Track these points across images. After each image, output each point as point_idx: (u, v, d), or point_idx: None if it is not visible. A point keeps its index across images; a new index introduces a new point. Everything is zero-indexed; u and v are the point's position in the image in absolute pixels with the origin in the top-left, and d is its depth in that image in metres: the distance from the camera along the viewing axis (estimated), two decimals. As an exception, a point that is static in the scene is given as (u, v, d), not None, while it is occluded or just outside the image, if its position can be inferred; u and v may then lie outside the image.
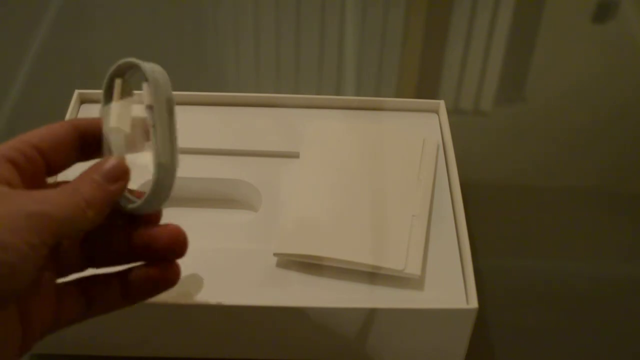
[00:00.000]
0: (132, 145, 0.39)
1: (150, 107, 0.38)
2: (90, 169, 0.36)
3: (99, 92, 0.57)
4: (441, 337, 0.46)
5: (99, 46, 0.77)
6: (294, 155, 0.55)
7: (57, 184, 0.39)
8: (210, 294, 0.45)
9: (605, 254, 0.58)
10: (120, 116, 0.40)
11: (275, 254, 0.47)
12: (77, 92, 0.57)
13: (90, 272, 0.38)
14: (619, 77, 0.76)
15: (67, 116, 0.55)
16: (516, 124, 0.70)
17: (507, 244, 0.58)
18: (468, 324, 0.45)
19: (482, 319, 0.49)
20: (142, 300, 0.38)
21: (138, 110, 0.40)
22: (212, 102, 0.58)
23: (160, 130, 0.37)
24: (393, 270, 0.46)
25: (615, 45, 0.81)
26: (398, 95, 0.73)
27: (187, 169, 0.53)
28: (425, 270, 0.47)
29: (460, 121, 0.69)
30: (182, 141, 0.56)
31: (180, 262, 0.47)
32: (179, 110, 0.58)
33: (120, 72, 0.41)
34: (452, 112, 0.69)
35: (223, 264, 0.47)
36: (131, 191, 0.38)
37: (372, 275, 0.47)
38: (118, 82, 0.40)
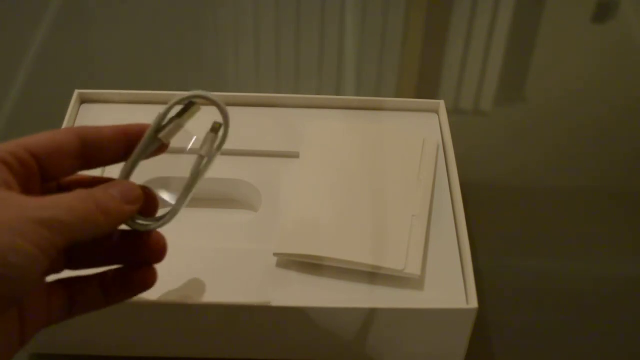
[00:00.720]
0: None
1: (201, 157, 0.42)
2: (109, 184, 0.37)
3: (99, 92, 0.58)
4: (441, 337, 0.46)
5: (99, 46, 0.77)
6: (294, 155, 0.55)
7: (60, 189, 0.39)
8: (210, 294, 0.45)
9: (605, 254, 0.58)
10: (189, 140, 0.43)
11: (275, 254, 0.47)
12: (77, 92, 0.57)
13: (68, 273, 0.38)
14: (619, 77, 0.76)
15: (67, 116, 0.55)
16: (516, 124, 0.70)
17: (507, 244, 0.58)
18: (468, 324, 0.45)
19: (482, 319, 0.49)
20: (120, 302, 0.39)
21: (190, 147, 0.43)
22: (212, 102, 0.58)
23: (190, 182, 0.41)
24: (393, 270, 0.46)
25: (615, 45, 0.81)
26: (398, 95, 0.73)
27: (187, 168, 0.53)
28: (425, 270, 0.47)
29: (460, 121, 0.69)
30: (182, 141, 0.56)
31: (180, 261, 0.47)
32: (178, 110, 0.58)
33: (190, 99, 0.42)
34: (452, 112, 0.69)
35: (223, 264, 0.47)
36: None
37: (372, 275, 0.47)
38: (196, 109, 0.42)
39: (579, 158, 0.66)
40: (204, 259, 0.47)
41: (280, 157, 0.55)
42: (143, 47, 0.77)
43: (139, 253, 0.39)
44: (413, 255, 0.47)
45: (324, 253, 0.47)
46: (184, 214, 0.49)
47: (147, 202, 0.39)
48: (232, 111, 0.58)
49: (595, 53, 0.80)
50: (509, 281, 0.55)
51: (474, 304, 0.44)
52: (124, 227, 0.38)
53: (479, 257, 0.54)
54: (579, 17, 0.84)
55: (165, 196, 0.41)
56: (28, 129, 0.64)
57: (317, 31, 0.80)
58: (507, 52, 0.79)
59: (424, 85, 0.76)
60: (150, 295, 0.44)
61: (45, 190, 0.38)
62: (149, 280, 0.39)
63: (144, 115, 0.57)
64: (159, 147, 0.41)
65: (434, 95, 0.72)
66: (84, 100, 0.58)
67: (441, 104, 0.58)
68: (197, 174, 0.41)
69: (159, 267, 0.46)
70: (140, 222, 0.39)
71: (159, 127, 0.41)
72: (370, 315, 0.44)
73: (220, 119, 0.43)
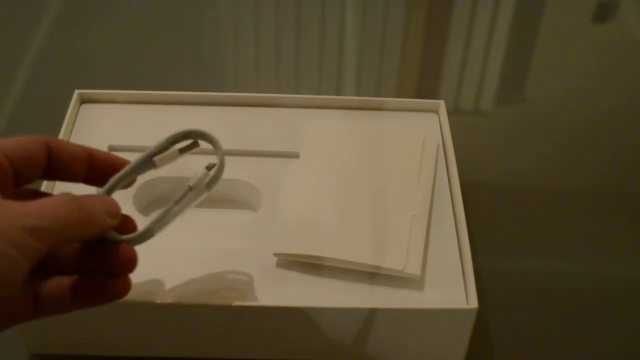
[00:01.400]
0: None
1: (189, 188, 0.43)
2: (94, 196, 0.39)
3: (99, 92, 0.58)
4: (441, 337, 0.46)
5: (99, 46, 0.77)
6: (294, 155, 0.55)
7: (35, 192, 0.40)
8: (210, 294, 0.45)
9: (605, 254, 0.58)
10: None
11: (275, 254, 0.47)
12: (77, 92, 0.58)
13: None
14: (619, 77, 0.76)
15: (67, 116, 0.55)
16: (516, 124, 0.70)
17: (507, 244, 0.58)
18: (468, 324, 0.45)
19: (482, 319, 0.49)
20: (89, 307, 0.39)
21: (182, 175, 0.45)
22: (212, 102, 0.58)
23: (175, 209, 0.42)
24: (393, 270, 0.46)
25: (615, 45, 0.81)
26: (398, 95, 0.73)
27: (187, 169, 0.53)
28: (425, 270, 0.47)
29: (460, 121, 0.69)
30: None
31: (180, 261, 0.47)
32: (178, 110, 0.59)
33: (195, 136, 0.44)
34: (452, 112, 0.69)
35: (223, 264, 0.47)
36: None
37: (372, 275, 0.47)
38: (194, 143, 0.44)
39: (578, 158, 0.66)
40: (204, 259, 0.47)
41: (280, 157, 0.55)
42: (143, 47, 0.77)
43: (109, 263, 0.39)
44: (413, 255, 0.47)
45: (324, 253, 0.47)
46: (184, 213, 0.49)
47: (125, 221, 0.40)
48: (232, 111, 0.59)
49: (595, 53, 0.80)
50: (509, 281, 0.55)
51: (474, 304, 0.44)
52: None
53: (479, 257, 0.54)
54: (579, 17, 0.84)
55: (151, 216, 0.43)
56: (28, 129, 0.64)
57: (317, 31, 0.80)
58: (507, 52, 0.79)
59: (424, 85, 0.76)
60: (151, 295, 0.44)
61: (17, 194, 0.39)
62: (121, 289, 0.39)
63: (144, 115, 0.57)
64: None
65: (434, 95, 0.72)
66: (84, 100, 0.58)
67: (441, 104, 0.58)
68: (179, 202, 0.42)
69: (159, 267, 0.46)
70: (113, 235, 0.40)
71: (156, 152, 0.43)
72: (370, 315, 0.44)
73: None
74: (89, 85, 0.59)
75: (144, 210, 0.52)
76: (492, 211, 0.60)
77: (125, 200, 0.44)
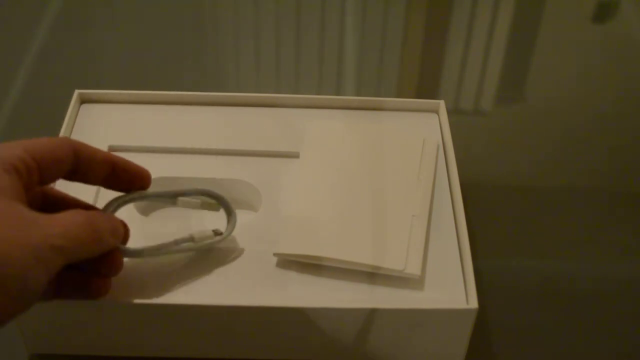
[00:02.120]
0: None
1: (191, 239, 0.47)
2: (105, 216, 0.41)
3: (99, 92, 0.58)
4: (441, 337, 0.46)
5: (99, 46, 0.77)
6: (294, 155, 0.55)
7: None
8: (210, 294, 0.45)
9: (605, 254, 0.58)
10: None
11: (275, 254, 0.47)
12: (77, 92, 0.58)
13: None
14: (619, 77, 0.76)
15: (67, 116, 0.55)
16: (516, 124, 0.70)
17: (507, 244, 0.58)
18: (468, 324, 0.45)
19: (482, 319, 0.49)
20: (70, 299, 0.42)
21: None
22: (212, 102, 0.58)
23: (170, 248, 0.46)
24: (393, 270, 0.46)
25: (615, 45, 0.81)
26: (398, 95, 0.73)
27: (187, 169, 0.53)
28: (425, 270, 0.47)
29: (460, 121, 0.69)
30: (182, 141, 0.56)
31: (180, 261, 0.47)
32: (178, 110, 0.59)
33: (221, 202, 0.49)
34: (452, 112, 0.69)
35: (223, 264, 0.47)
36: None
37: (372, 275, 0.47)
38: (216, 206, 0.48)
39: (578, 158, 0.66)
40: (204, 259, 0.47)
41: (280, 157, 0.55)
42: (143, 47, 0.77)
43: (99, 264, 0.41)
44: (413, 255, 0.47)
45: (323, 253, 0.47)
46: (185, 213, 0.50)
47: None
48: (232, 111, 0.59)
49: (595, 53, 0.80)
50: (509, 281, 0.55)
51: (474, 304, 0.44)
52: None
53: (479, 257, 0.54)
54: (579, 17, 0.84)
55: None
56: (28, 129, 0.65)
57: (317, 31, 0.80)
58: (507, 52, 0.79)
59: (424, 85, 0.76)
60: (150, 295, 0.44)
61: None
62: (102, 290, 0.42)
63: (144, 115, 0.57)
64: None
65: (434, 95, 0.72)
66: (84, 100, 0.58)
67: (441, 104, 0.58)
68: (177, 244, 0.46)
69: (159, 267, 0.46)
70: None
71: (183, 194, 0.47)
72: (370, 315, 0.44)
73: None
74: (89, 85, 0.59)
75: (144, 210, 0.52)
76: (492, 211, 0.60)
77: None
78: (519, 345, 0.51)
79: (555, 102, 0.72)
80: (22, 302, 0.35)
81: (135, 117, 0.57)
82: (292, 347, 0.47)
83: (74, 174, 0.42)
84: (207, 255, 0.48)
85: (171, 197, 0.47)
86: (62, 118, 0.55)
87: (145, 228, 0.51)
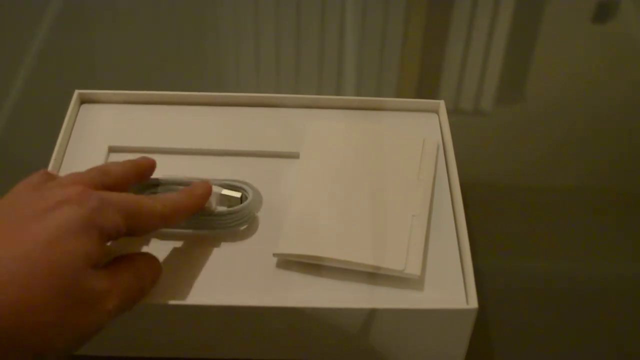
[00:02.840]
0: None
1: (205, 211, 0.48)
2: (151, 264, 0.44)
3: (99, 92, 0.58)
4: (441, 337, 0.46)
5: (99, 46, 0.77)
6: (294, 156, 0.55)
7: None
8: (210, 294, 0.45)
9: (605, 254, 0.58)
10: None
11: (275, 254, 0.47)
12: (77, 92, 0.57)
13: None
14: (619, 77, 0.76)
15: (67, 116, 0.55)
16: (516, 124, 0.70)
17: (507, 244, 0.58)
18: (468, 324, 0.45)
19: (482, 319, 0.49)
20: None
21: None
22: (212, 102, 0.58)
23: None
24: (393, 271, 0.46)
25: (615, 45, 0.81)
26: (398, 95, 0.73)
27: (187, 169, 0.53)
28: (425, 270, 0.47)
29: (460, 121, 0.69)
30: (182, 141, 0.56)
31: (180, 262, 0.47)
32: (178, 110, 0.59)
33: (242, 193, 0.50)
34: (452, 112, 0.69)
35: (223, 264, 0.47)
36: None
37: (372, 275, 0.47)
38: (236, 199, 0.50)
39: (578, 158, 0.66)
40: (203, 259, 0.47)
41: (280, 157, 0.55)
42: (143, 47, 0.77)
43: None
44: (413, 255, 0.47)
45: (324, 253, 0.47)
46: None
47: None
48: (232, 111, 0.59)
49: (595, 53, 0.80)
50: (509, 281, 0.55)
51: (474, 304, 0.44)
52: None
53: (479, 257, 0.54)
54: (579, 17, 0.84)
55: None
56: (28, 129, 0.64)
57: (317, 31, 0.80)
58: (507, 52, 0.79)
59: (424, 85, 0.76)
60: (150, 295, 0.44)
61: None
62: None
63: (144, 115, 0.57)
64: None
65: (434, 95, 0.72)
66: (84, 100, 0.58)
67: (441, 104, 0.58)
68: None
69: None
70: None
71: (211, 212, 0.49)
72: (370, 315, 0.44)
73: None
74: (89, 85, 0.59)
75: None
76: (492, 211, 0.60)
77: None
78: (519, 345, 0.51)
79: (555, 102, 0.72)
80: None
81: (135, 117, 0.57)
82: (292, 347, 0.47)
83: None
84: (208, 255, 0.48)
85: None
86: (62, 118, 0.55)
87: None
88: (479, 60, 0.77)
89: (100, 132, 0.56)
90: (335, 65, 0.76)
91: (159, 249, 0.47)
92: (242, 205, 0.49)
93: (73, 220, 0.36)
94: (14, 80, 0.71)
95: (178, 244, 0.48)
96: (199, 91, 0.58)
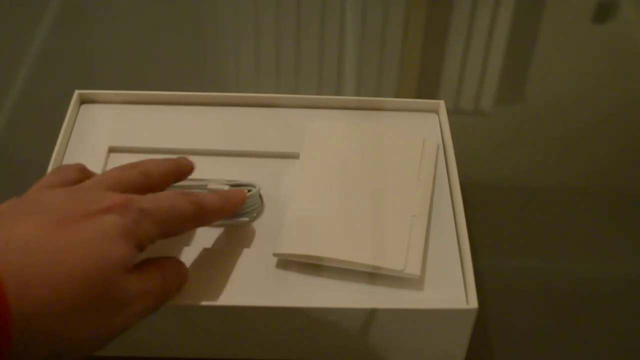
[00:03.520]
0: None
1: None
2: (177, 269, 0.44)
3: (99, 92, 0.58)
4: (441, 337, 0.46)
5: (99, 46, 0.77)
6: (294, 156, 0.55)
7: None
8: (210, 294, 0.45)
9: (605, 254, 0.58)
10: None
11: (275, 254, 0.48)
12: (77, 92, 0.58)
13: None
14: (619, 77, 0.76)
15: (67, 116, 0.55)
16: (516, 124, 0.70)
17: (507, 244, 0.58)
18: (468, 324, 0.45)
19: (482, 319, 0.49)
20: None
21: None
22: (212, 102, 0.58)
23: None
24: (393, 271, 0.46)
25: (615, 45, 0.81)
26: (398, 95, 0.73)
27: (187, 169, 0.53)
28: (425, 270, 0.47)
29: (460, 121, 0.69)
30: (182, 142, 0.56)
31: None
32: (178, 111, 0.59)
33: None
34: (452, 112, 0.69)
35: (223, 264, 0.47)
36: None
37: (372, 275, 0.47)
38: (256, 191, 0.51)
39: (579, 158, 0.66)
40: (203, 259, 0.47)
41: (280, 157, 0.55)
42: (143, 47, 0.77)
43: None
44: (413, 255, 0.47)
45: (323, 253, 0.47)
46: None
47: None
48: (232, 111, 0.59)
49: (595, 53, 0.80)
50: (509, 281, 0.55)
51: (474, 304, 0.44)
52: None
53: (479, 257, 0.54)
54: (579, 17, 0.84)
55: None
56: (28, 129, 0.64)
57: (317, 31, 0.80)
58: (507, 52, 0.79)
59: (424, 85, 0.76)
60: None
61: None
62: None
63: (144, 115, 0.57)
64: None
65: (434, 95, 0.72)
66: (84, 101, 0.58)
67: (441, 104, 0.58)
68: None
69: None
70: None
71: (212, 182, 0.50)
72: (370, 315, 0.44)
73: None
74: (89, 85, 0.59)
75: None
76: (492, 211, 0.60)
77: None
78: (519, 345, 0.51)
79: (555, 102, 0.72)
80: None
81: (135, 117, 0.57)
82: (292, 347, 0.47)
83: None
84: (208, 255, 0.48)
85: (203, 186, 0.48)
86: (62, 118, 0.55)
87: None
88: (479, 60, 0.77)
89: (100, 132, 0.56)
90: (335, 65, 0.76)
91: (159, 249, 0.47)
92: (250, 193, 0.49)
93: (113, 230, 0.37)
94: (14, 80, 0.71)
95: (177, 243, 0.48)
96: (199, 91, 0.58)
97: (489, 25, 0.82)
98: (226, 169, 0.54)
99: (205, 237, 0.49)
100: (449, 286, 0.47)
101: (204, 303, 0.44)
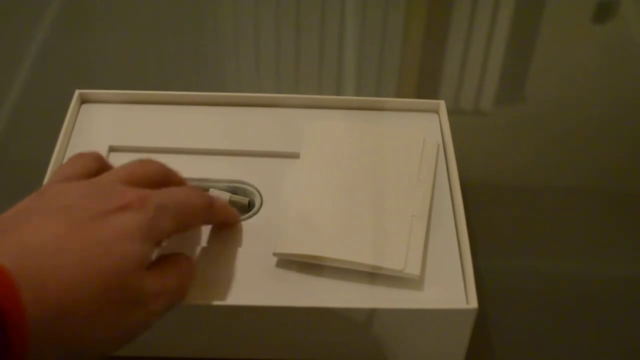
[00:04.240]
0: None
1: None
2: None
3: (99, 92, 0.58)
4: (441, 337, 0.46)
5: (99, 46, 0.77)
6: (294, 156, 0.55)
7: None
8: (210, 294, 0.45)
9: (605, 254, 0.58)
10: None
11: (275, 254, 0.48)
12: (77, 92, 0.58)
13: None
14: (619, 77, 0.76)
15: (67, 116, 0.55)
16: (516, 124, 0.70)
17: (507, 244, 0.58)
18: (468, 324, 0.45)
19: (482, 319, 0.49)
20: None
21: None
22: (212, 102, 0.58)
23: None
24: (392, 270, 0.46)
25: (615, 45, 0.81)
26: (398, 95, 0.73)
27: (187, 169, 0.53)
28: (425, 270, 0.47)
29: (460, 121, 0.69)
30: (182, 141, 0.56)
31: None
32: (178, 110, 0.59)
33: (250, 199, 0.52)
34: (452, 112, 0.69)
35: (223, 264, 0.47)
36: None
37: (372, 275, 0.47)
38: (244, 206, 0.52)
39: (579, 158, 0.66)
40: (203, 259, 0.47)
41: (280, 157, 0.55)
42: (143, 47, 0.77)
43: None
44: (413, 255, 0.47)
45: (323, 253, 0.47)
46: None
47: None
48: (232, 111, 0.59)
49: (595, 53, 0.80)
50: (509, 281, 0.55)
51: (474, 304, 0.44)
52: None
53: (479, 257, 0.54)
54: (579, 17, 0.84)
55: None
56: (28, 129, 0.64)
57: (317, 31, 0.80)
58: (507, 52, 0.79)
59: (424, 85, 0.76)
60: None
61: None
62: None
63: (144, 115, 0.57)
64: None
65: (434, 95, 0.72)
66: (84, 100, 0.58)
67: (441, 104, 0.58)
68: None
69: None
70: None
71: (215, 186, 0.52)
72: (370, 315, 0.44)
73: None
74: (89, 85, 0.59)
75: None
76: (492, 211, 0.60)
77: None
78: (519, 345, 0.51)
79: (555, 102, 0.72)
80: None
81: (135, 117, 0.57)
82: (292, 347, 0.47)
83: None
84: (208, 255, 0.48)
85: (205, 189, 0.49)
86: (62, 118, 0.55)
87: None
88: (479, 60, 0.77)
89: (100, 132, 0.56)
90: (335, 65, 0.76)
91: (161, 247, 0.47)
92: (250, 213, 0.51)
93: (132, 227, 0.37)
94: (14, 80, 0.71)
95: (177, 243, 0.48)
96: (199, 91, 0.58)
97: (489, 25, 0.82)
98: (226, 169, 0.54)
99: (205, 237, 0.49)
100: (449, 286, 0.47)
101: (204, 303, 0.44)
